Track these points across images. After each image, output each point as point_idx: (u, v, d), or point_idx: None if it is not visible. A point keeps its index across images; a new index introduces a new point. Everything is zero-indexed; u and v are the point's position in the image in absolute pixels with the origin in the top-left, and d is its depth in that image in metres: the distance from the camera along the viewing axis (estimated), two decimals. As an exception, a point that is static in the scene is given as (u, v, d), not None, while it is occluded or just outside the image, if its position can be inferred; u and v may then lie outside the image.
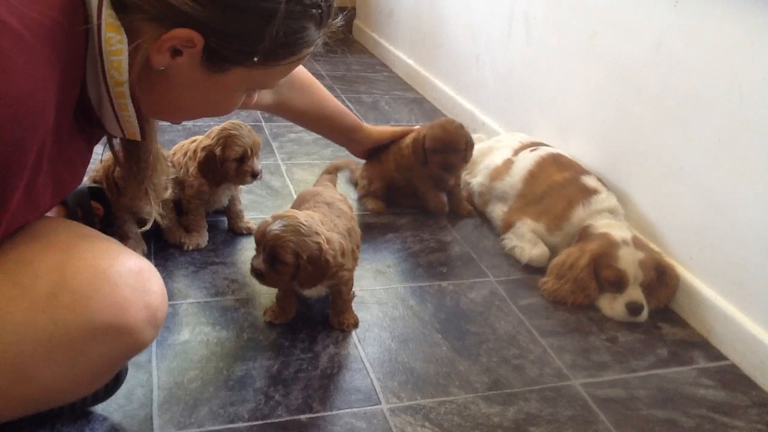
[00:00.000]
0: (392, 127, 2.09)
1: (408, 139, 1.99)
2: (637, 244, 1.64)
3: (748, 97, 1.43)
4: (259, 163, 1.69)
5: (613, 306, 1.61)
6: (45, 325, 0.87)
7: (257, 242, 1.35)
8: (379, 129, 2.05)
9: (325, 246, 1.33)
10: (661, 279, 1.63)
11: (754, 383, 1.43)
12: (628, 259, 1.60)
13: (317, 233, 1.33)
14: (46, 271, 0.89)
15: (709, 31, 1.53)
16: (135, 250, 1.63)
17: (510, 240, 1.82)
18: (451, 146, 1.90)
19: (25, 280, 0.88)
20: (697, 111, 1.57)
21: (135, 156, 1.07)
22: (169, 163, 1.62)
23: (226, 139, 1.66)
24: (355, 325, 1.47)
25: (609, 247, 1.63)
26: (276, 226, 1.31)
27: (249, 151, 1.66)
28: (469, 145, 1.94)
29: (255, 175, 1.69)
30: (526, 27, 2.33)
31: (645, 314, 1.59)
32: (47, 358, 0.89)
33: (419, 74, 3.22)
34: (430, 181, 1.99)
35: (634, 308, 1.58)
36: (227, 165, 1.66)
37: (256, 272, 1.34)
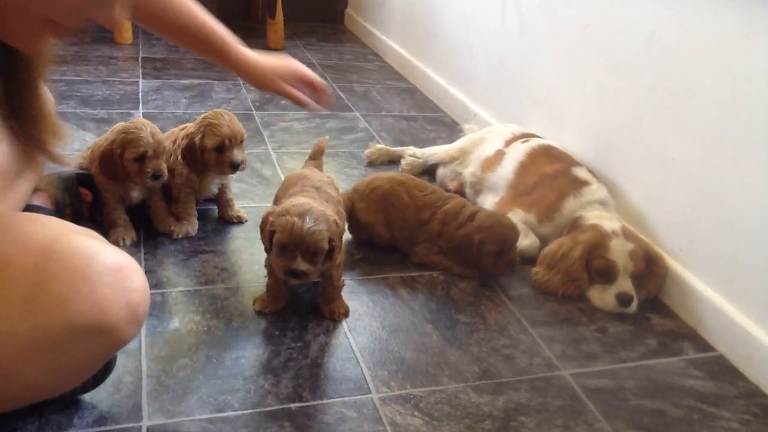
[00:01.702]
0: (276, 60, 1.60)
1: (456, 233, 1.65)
2: (627, 235, 1.65)
3: (741, 90, 1.44)
4: (240, 154, 1.66)
5: (603, 297, 1.61)
6: (25, 331, 0.86)
7: (294, 245, 1.31)
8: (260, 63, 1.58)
9: (338, 219, 1.38)
10: (650, 269, 1.63)
11: (741, 374, 1.44)
12: (619, 250, 1.60)
13: (325, 212, 1.37)
14: (23, 274, 0.87)
15: (702, 23, 1.53)
16: (124, 238, 1.64)
17: None
18: (510, 244, 1.64)
19: (1, 285, 0.86)
20: (690, 103, 1.58)
21: (13, 105, 0.98)
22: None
23: (206, 128, 1.64)
24: (346, 314, 1.47)
25: (600, 238, 1.63)
26: (310, 224, 1.31)
27: (227, 142, 1.64)
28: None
29: (234, 166, 1.66)
30: (520, 17, 2.32)
31: (635, 305, 1.59)
32: (29, 361, 0.88)
33: (411, 64, 3.21)
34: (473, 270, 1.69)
35: (624, 299, 1.58)
36: (207, 154, 1.65)
37: (300, 274, 1.33)
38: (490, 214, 1.70)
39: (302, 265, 1.32)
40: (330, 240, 1.34)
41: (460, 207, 1.70)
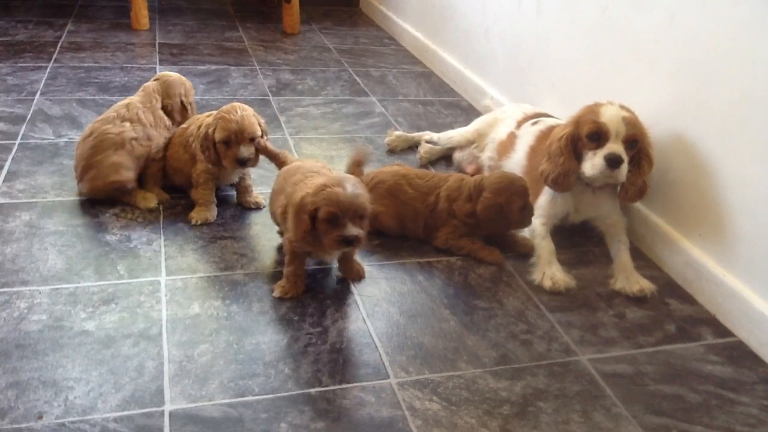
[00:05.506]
0: None
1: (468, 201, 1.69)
2: (625, 108, 1.64)
3: (762, 72, 1.42)
4: (247, 151, 1.65)
5: (593, 162, 1.61)
6: None
7: (343, 213, 1.33)
8: None
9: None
10: (636, 162, 1.64)
11: (761, 360, 1.43)
12: (611, 114, 1.61)
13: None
14: None
15: (722, 4, 1.51)
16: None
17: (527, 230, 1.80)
18: (528, 193, 1.69)
19: None
20: (710, 86, 1.56)
21: None
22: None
23: (218, 121, 1.65)
24: (362, 273, 1.56)
25: (593, 108, 1.65)
26: (353, 189, 1.34)
27: (233, 137, 1.64)
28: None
29: (241, 162, 1.66)
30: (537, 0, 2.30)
31: (624, 171, 1.59)
32: None
33: (427, 48, 3.19)
34: (478, 238, 1.72)
35: (612, 159, 1.58)
36: (218, 146, 1.66)
37: (354, 240, 1.35)
38: (496, 177, 1.72)
39: (354, 230, 1.34)
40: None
41: (459, 181, 1.74)
